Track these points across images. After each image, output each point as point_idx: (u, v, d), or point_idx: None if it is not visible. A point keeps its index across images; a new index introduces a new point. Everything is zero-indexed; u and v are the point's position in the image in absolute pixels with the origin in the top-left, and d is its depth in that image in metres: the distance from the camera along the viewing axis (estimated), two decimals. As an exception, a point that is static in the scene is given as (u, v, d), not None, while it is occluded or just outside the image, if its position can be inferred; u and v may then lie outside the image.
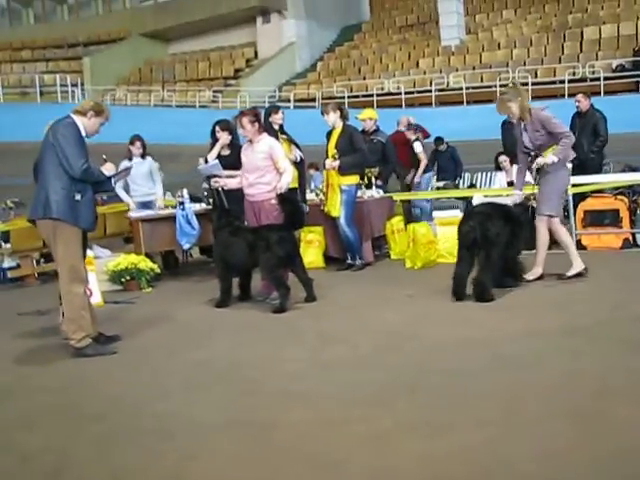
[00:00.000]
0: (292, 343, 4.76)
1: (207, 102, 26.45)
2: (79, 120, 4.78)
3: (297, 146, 7.67)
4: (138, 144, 8.38)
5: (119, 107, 23.56)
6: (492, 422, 3.09)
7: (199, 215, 7.59)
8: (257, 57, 30.43)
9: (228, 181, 6.61)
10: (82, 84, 27.24)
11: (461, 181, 11.97)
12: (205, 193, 7.12)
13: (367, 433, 3.08)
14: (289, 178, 6.28)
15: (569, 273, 6.13)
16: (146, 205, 8.36)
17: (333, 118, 7.51)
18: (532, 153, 6.11)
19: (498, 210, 5.92)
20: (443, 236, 7.77)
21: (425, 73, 24.76)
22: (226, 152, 7.57)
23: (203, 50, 31.72)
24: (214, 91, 27.04)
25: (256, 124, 6.27)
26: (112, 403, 3.75)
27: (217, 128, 7.69)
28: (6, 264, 8.59)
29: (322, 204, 7.78)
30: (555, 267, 6.19)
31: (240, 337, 5.05)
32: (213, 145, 7.65)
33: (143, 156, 8.42)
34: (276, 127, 7.38)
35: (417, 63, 26.03)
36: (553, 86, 21.13)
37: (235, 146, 7.43)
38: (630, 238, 7.87)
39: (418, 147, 9.89)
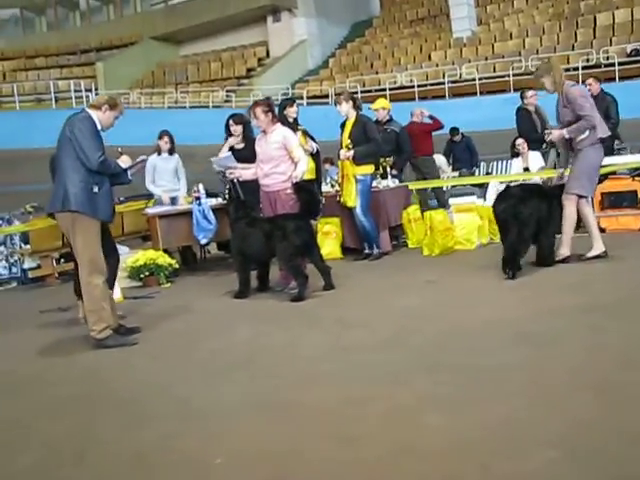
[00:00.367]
0: (311, 329, 4.76)
1: (220, 102, 26.45)
2: (94, 114, 4.83)
3: (312, 138, 7.68)
4: (166, 139, 8.31)
5: (133, 110, 23.65)
6: (516, 395, 3.07)
7: (215, 210, 7.55)
8: (269, 56, 30.44)
9: (243, 172, 6.61)
10: (96, 89, 27.32)
11: (477, 170, 11.94)
12: (226, 185, 7.08)
13: (388, 409, 3.08)
14: (304, 167, 6.27)
15: (589, 254, 6.07)
16: (171, 201, 8.34)
17: (346, 108, 7.49)
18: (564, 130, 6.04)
19: (533, 191, 5.94)
20: (460, 223, 7.75)
21: (437, 65, 24.61)
22: (240, 146, 7.58)
23: (215, 51, 31.76)
24: (227, 91, 27.07)
25: (269, 114, 6.25)
26: (134, 390, 3.78)
27: (231, 122, 7.70)
28: (27, 265, 8.69)
29: (338, 195, 7.77)
30: (575, 248, 6.13)
31: (259, 325, 5.06)
32: (227, 139, 7.68)
33: (171, 152, 8.37)
34: (290, 120, 7.38)
35: (429, 56, 25.88)
36: (567, 73, 20.70)
37: (249, 139, 7.38)
38: (649, 219, 7.77)
39: None
